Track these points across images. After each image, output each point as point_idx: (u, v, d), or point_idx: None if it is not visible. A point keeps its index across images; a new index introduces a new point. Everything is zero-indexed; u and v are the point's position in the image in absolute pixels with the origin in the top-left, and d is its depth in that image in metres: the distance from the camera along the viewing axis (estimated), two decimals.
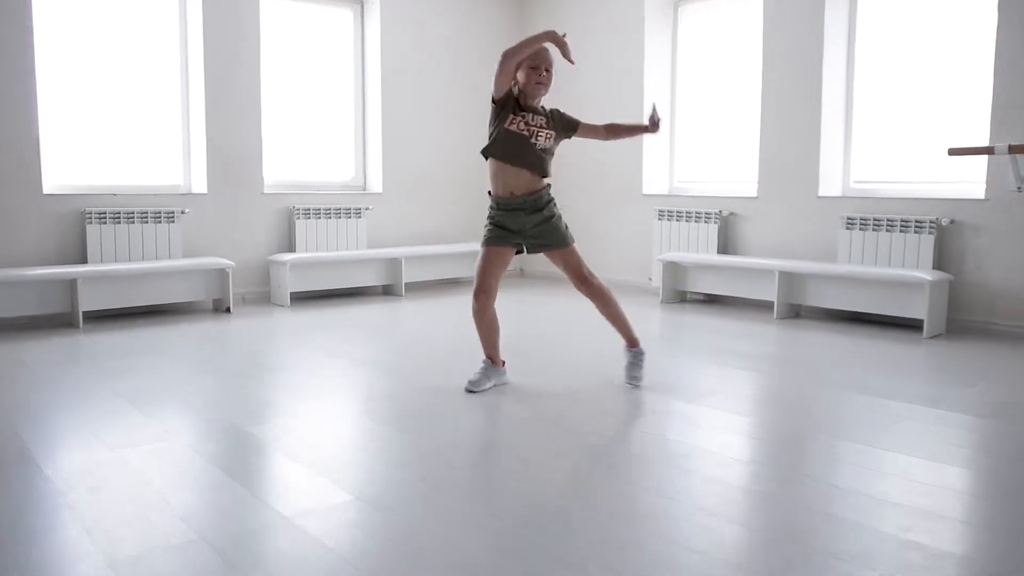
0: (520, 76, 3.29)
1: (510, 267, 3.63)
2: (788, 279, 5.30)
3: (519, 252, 3.46)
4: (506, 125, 3.29)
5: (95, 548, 1.94)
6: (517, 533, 2.05)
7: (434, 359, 4.12)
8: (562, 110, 3.46)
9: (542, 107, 3.39)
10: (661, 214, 6.26)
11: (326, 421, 3.09)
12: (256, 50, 5.87)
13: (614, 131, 3.51)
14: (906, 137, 5.25)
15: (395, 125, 6.64)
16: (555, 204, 3.42)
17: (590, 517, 2.15)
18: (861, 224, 5.16)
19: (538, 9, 7.23)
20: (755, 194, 5.82)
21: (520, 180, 3.32)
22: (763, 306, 5.61)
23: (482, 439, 2.95)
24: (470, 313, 3.45)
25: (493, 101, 3.33)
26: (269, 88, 6.08)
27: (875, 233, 5.09)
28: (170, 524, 2.08)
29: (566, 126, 3.43)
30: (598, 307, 3.52)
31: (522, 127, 3.29)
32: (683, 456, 2.65)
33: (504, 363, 3.54)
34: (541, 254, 3.46)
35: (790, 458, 2.69)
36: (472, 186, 6.88)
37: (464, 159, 6.92)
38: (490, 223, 3.41)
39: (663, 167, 6.59)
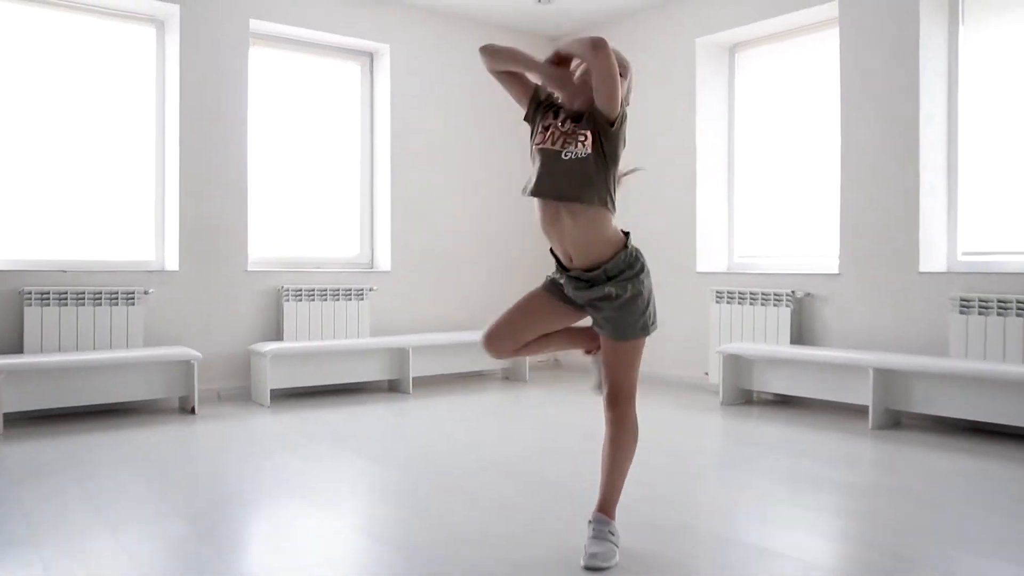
0: None
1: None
2: (885, 378, 4.17)
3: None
4: (533, 143, 2.30)
5: None
6: None
7: (457, 484, 3.07)
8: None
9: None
10: (719, 296, 5.19)
11: None
12: (243, 107, 5.07)
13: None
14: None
15: (407, 192, 5.74)
16: (642, 276, 2.27)
17: None
18: (979, 307, 4.03)
19: None
20: (836, 270, 4.74)
21: (571, 233, 2.21)
22: (853, 411, 4.47)
23: None
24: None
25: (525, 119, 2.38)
26: (258, 152, 5.27)
27: (998, 318, 3.96)
28: None
29: (597, 108, 2.20)
30: (608, 442, 2.31)
31: (541, 139, 2.25)
32: None
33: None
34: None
35: None
36: (495, 263, 5.92)
37: (487, 231, 5.99)
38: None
39: (720, 239, 5.55)
